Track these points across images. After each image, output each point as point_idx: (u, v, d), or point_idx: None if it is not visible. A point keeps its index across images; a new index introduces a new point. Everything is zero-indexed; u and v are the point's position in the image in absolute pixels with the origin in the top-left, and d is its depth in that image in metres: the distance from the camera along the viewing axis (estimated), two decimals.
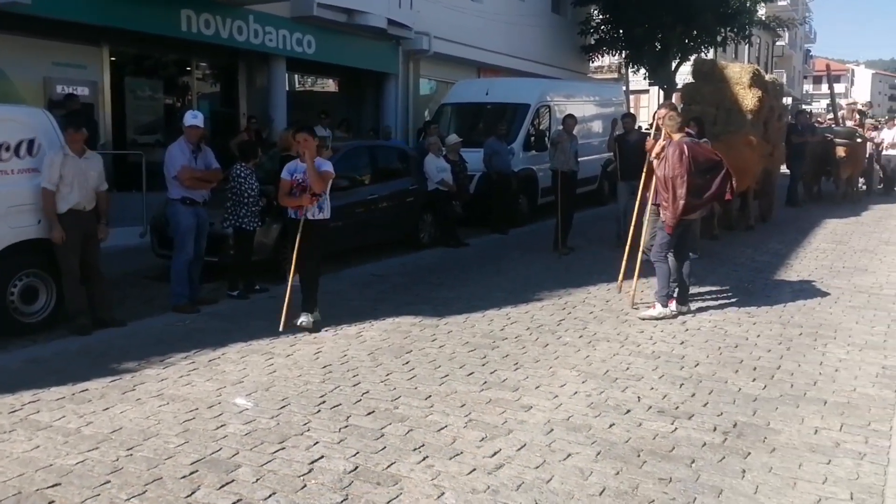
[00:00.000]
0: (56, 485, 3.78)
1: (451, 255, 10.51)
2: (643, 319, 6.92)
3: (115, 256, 8.62)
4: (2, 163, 6.41)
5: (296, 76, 16.93)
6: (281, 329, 6.42)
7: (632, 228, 7.51)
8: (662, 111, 7.40)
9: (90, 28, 11.41)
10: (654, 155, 7.08)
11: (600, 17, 24.18)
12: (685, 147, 6.79)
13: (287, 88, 15.20)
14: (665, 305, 7.01)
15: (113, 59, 12.68)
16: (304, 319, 6.51)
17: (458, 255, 10.52)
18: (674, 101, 23.53)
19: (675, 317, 7.01)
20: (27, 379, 5.29)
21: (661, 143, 7.02)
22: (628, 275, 7.62)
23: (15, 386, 5.13)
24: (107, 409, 4.78)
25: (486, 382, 5.33)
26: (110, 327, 6.64)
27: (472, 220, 12.13)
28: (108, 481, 3.82)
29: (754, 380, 5.44)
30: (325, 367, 5.64)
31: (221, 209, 7.79)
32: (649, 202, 7.43)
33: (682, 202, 6.72)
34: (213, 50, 13.68)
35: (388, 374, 5.48)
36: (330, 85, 18.57)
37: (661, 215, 6.96)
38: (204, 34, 12.81)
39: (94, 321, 6.61)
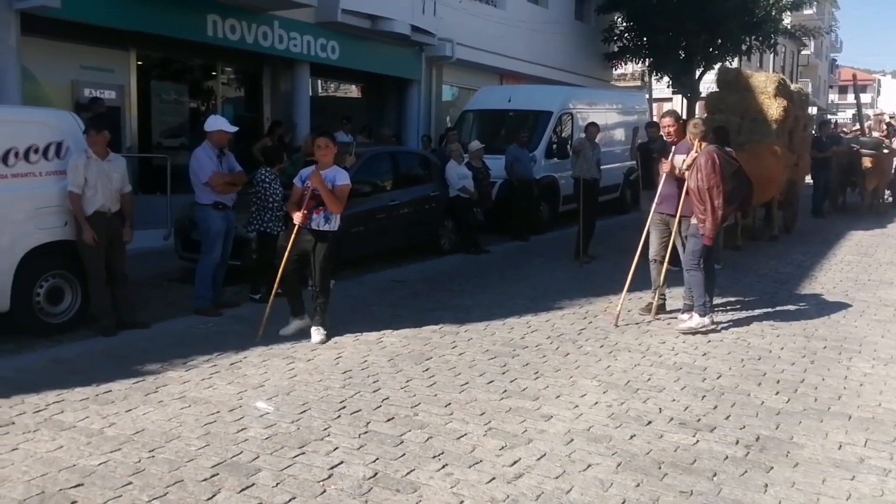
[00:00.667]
0: (79, 485, 3.81)
1: (472, 261, 10.51)
2: (683, 332, 6.77)
3: (138, 258, 8.70)
4: (30, 165, 6.50)
5: (319, 81, 17.05)
6: (257, 339, 6.33)
7: (642, 239, 7.38)
8: (667, 119, 7.33)
9: (118, 32, 11.57)
10: (686, 166, 6.89)
11: (624, 24, 24.11)
12: (715, 156, 6.71)
13: (310, 93, 15.30)
14: (703, 315, 6.84)
15: (140, 63, 12.85)
16: (314, 330, 6.47)
17: (478, 261, 10.51)
18: (697, 109, 23.45)
19: (713, 329, 6.87)
20: (52, 379, 5.35)
21: (692, 154, 6.85)
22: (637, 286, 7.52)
23: (40, 385, 5.19)
24: (129, 410, 4.83)
25: (506, 391, 5.31)
26: (134, 329, 6.70)
27: (493, 226, 12.13)
28: (130, 482, 3.85)
29: (777, 393, 5.38)
30: (345, 372, 5.66)
31: (245, 213, 7.85)
32: (652, 211, 7.31)
33: (720, 212, 6.61)
34: (238, 55, 13.80)
35: (408, 381, 5.49)
36: (353, 90, 18.67)
37: (695, 227, 6.77)
38: (229, 39, 12.95)
39: (118, 323, 6.67)
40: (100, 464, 4.05)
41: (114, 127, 8.78)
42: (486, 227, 11.79)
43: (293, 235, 6.47)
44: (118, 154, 7.13)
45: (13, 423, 4.58)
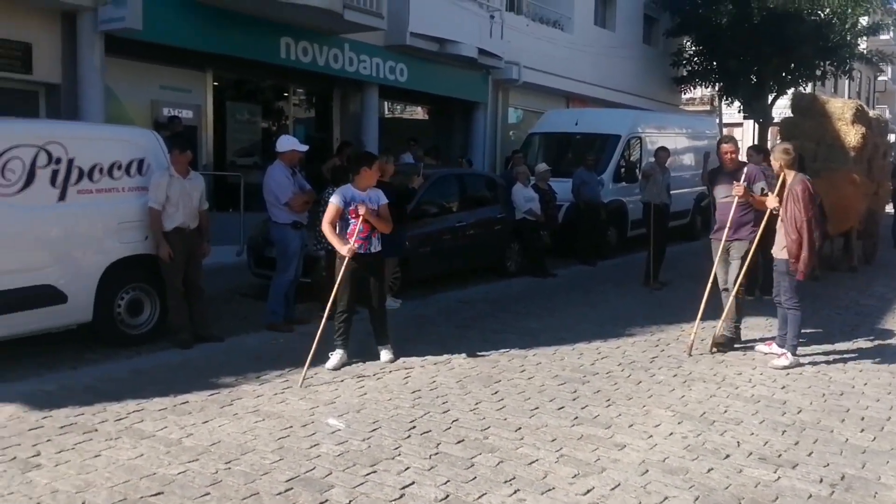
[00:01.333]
0: (159, 493, 3.90)
1: (538, 284, 10.44)
2: (775, 369, 6.51)
3: (211, 273, 8.86)
4: (114, 181, 6.73)
5: (387, 103, 17.29)
6: (301, 384, 5.75)
7: (714, 267, 7.18)
8: (729, 146, 7.14)
9: (196, 54, 11.95)
10: (775, 194, 6.55)
11: (693, 48, 23.81)
12: (809, 184, 6.44)
13: (378, 115, 15.53)
14: (795, 354, 6.61)
15: (216, 83, 13.25)
16: (384, 353, 6.49)
17: (545, 285, 10.44)
18: (770, 135, 22.93)
19: (797, 366, 6.62)
20: (132, 388, 5.50)
21: (774, 197, 6.54)
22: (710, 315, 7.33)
23: (121, 394, 5.35)
24: (206, 421, 4.92)
25: (577, 417, 5.23)
26: (209, 342, 6.86)
27: (560, 250, 12.04)
28: (208, 493, 3.92)
29: (862, 430, 5.16)
30: (414, 392, 5.66)
31: (313, 231, 7.97)
32: (723, 240, 7.08)
33: (817, 244, 6.32)
34: (309, 76, 14.11)
35: (477, 403, 5.46)
36: (419, 112, 18.88)
37: (784, 263, 6.48)
38: (302, 61, 13.26)
39: (194, 336, 6.84)
40: (178, 473, 4.14)
41: (191, 145, 9.06)
42: (552, 250, 11.71)
43: (346, 266, 6.20)
44: (198, 173, 7.35)
45: (96, 430, 4.72)
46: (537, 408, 5.41)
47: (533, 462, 4.47)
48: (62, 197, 6.37)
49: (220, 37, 11.80)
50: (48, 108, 10.75)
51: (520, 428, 5.01)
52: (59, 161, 6.34)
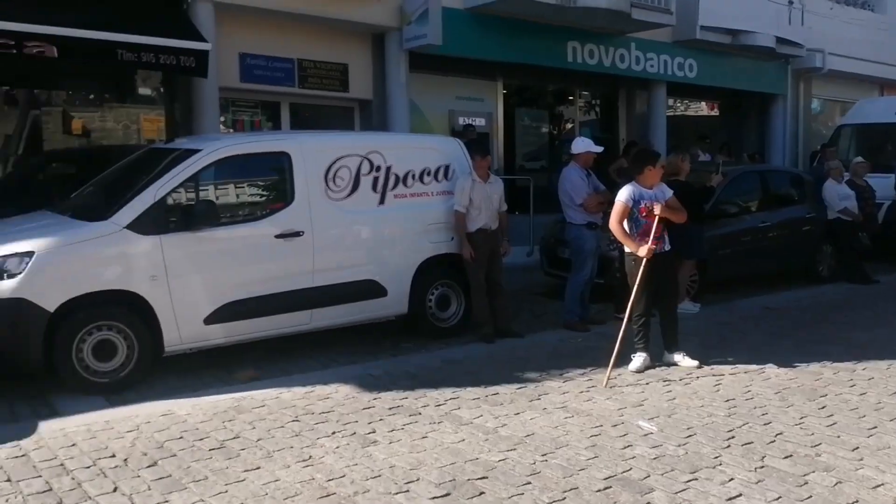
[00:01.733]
0: (483, 478, 4.06)
1: (858, 291, 9.37)
2: None
3: (505, 273, 9.21)
4: (424, 186, 7.23)
5: (674, 100, 16.70)
6: (605, 384, 5.68)
7: None
8: None
9: (488, 64, 12.51)
10: None
11: None
12: None
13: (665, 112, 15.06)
14: None
15: (504, 91, 13.74)
16: (678, 358, 6.21)
17: (866, 292, 9.34)
18: None
19: None
20: (447, 377, 5.84)
21: None
22: None
23: (437, 382, 5.69)
24: (518, 413, 5.06)
25: None
26: (509, 338, 7.08)
27: (881, 254, 10.70)
28: (529, 482, 4.00)
29: None
30: (727, 400, 5.33)
31: (608, 232, 7.87)
32: None
33: None
34: (594, 78, 14.09)
35: (801, 417, 4.99)
36: (704, 108, 17.97)
37: None
38: (587, 63, 13.29)
39: (496, 331, 7.10)
40: (499, 460, 4.29)
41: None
42: (872, 254, 10.44)
43: (643, 268, 6.00)
44: (497, 176, 7.64)
45: (420, 413, 5.07)
46: (875, 427, 4.82)
47: (878, 486, 3.97)
48: (381, 201, 6.98)
49: (510, 46, 12.23)
50: (361, 121, 11.92)
51: (857, 447, 4.49)
52: (378, 168, 6.96)
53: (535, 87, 14.62)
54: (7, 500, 3.70)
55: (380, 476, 4.06)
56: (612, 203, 7.66)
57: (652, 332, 6.30)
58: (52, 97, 10.59)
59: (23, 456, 4.27)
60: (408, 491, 3.89)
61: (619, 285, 7.89)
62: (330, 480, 3.99)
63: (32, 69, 9.19)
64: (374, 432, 4.70)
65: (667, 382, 5.77)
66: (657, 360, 6.26)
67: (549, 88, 14.81)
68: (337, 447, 4.44)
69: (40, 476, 4.00)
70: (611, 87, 15.16)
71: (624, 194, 6.15)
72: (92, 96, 10.87)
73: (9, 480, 3.94)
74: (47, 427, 4.72)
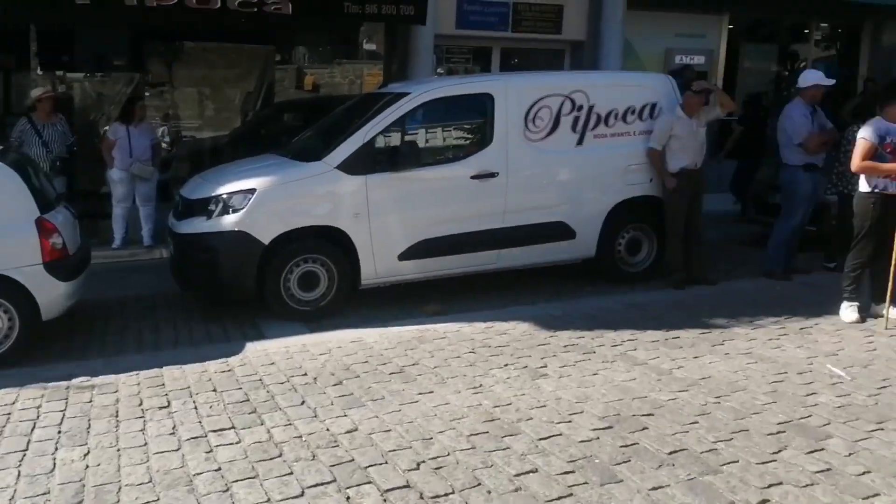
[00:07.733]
0: (649, 414, 4.05)
1: None
2: None
3: (708, 222, 8.76)
4: (626, 125, 7.04)
5: None
6: (886, 327, 5.45)
7: None
8: None
9: None
10: None
11: None
12: None
13: None
14: None
15: (730, 26, 12.78)
16: (892, 311, 5.56)
17: None
18: None
19: None
20: (627, 320, 5.79)
21: None
22: None
23: (617, 324, 5.67)
24: (696, 357, 4.94)
25: None
26: (702, 285, 6.82)
27: None
28: (696, 422, 3.94)
29: None
30: None
31: (828, 175, 7.23)
32: None
33: None
34: (837, 9, 12.65)
35: None
36: None
37: None
38: None
39: (689, 278, 6.87)
40: (668, 399, 4.24)
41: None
42: None
43: (874, 210, 5.56)
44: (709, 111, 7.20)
45: (594, 352, 5.11)
46: None
47: None
48: (580, 142, 6.93)
49: None
50: (572, 64, 11.71)
51: None
52: (580, 108, 6.90)
53: (766, 22, 13.43)
54: (211, 407, 4.31)
55: (545, 406, 4.20)
56: (836, 144, 7.08)
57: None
58: (289, 55, 11.61)
59: (228, 371, 4.91)
60: (570, 421, 3.99)
61: (835, 233, 7.28)
62: (496, 407, 4.19)
63: (272, 28, 9.99)
64: (545, 367, 4.83)
65: (868, 333, 5.31)
66: (865, 311, 5.75)
67: (782, 23, 13.54)
68: (507, 378, 4.64)
69: (241, 388, 4.59)
70: (856, 19, 13.54)
71: (867, 130, 5.64)
72: (322, 52, 11.76)
73: (214, 390, 4.56)
74: (252, 347, 5.36)
